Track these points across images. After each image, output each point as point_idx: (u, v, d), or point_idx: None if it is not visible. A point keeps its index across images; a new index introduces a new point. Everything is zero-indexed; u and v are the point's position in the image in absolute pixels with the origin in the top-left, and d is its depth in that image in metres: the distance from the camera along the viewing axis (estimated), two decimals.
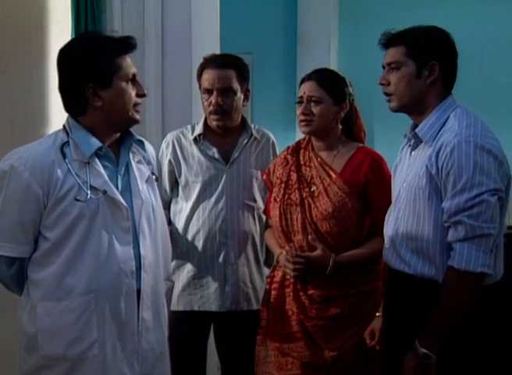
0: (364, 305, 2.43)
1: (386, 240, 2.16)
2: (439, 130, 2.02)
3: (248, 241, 2.69)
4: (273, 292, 2.54)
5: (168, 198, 2.73)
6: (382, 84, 2.09)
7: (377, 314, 2.33)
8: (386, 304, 2.19)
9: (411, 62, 2.03)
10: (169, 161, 2.70)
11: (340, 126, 2.53)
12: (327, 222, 2.43)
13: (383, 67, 2.12)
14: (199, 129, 2.70)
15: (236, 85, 2.62)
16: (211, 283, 2.66)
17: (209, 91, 2.61)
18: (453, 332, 1.95)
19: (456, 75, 2.10)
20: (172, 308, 2.61)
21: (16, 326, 2.00)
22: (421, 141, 2.06)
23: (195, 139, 2.68)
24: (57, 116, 3.03)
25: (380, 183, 2.40)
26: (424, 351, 1.95)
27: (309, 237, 2.44)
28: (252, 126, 2.77)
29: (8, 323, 2.63)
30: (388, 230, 2.15)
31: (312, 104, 2.44)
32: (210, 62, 2.65)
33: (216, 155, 2.66)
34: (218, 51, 3.20)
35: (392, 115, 2.18)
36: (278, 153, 2.75)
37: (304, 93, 2.45)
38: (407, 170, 2.11)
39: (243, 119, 2.74)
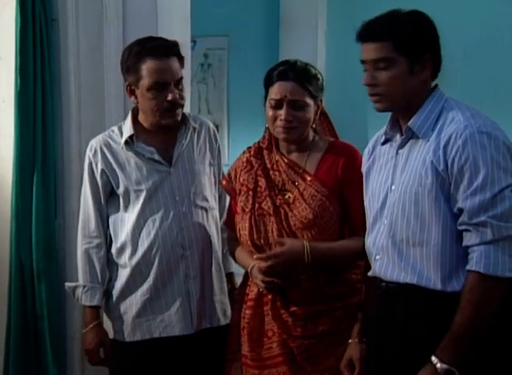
0: (354, 318, 2.38)
1: (375, 251, 2.13)
2: (435, 123, 2.02)
3: (207, 247, 2.64)
4: (247, 311, 2.48)
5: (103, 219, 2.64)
6: (368, 85, 2.06)
7: (350, 341, 2.31)
8: (380, 325, 2.15)
9: (403, 58, 2.01)
10: (102, 171, 2.58)
11: (313, 126, 2.51)
12: (308, 231, 2.39)
13: (362, 62, 2.08)
14: (128, 130, 2.58)
15: (182, 74, 2.56)
16: (172, 302, 2.58)
17: (163, 85, 2.49)
18: (475, 341, 1.97)
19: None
20: (128, 338, 2.60)
21: None
22: (412, 138, 2.06)
23: (126, 142, 2.57)
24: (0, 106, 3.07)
25: (359, 177, 2.36)
26: (446, 366, 1.94)
27: (276, 239, 2.39)
28: (188, 115, 2.69)
29: None
30: (377, 240, 2.12)
31: (294, 108, 2.40)
32: (150, 48, 2.49)
33: (156, 157, 2.57)
34: (188, 35, 3.18)
35: None
36: (219, 140, 2.75)
37: (286, 96, 2.39)
38: (393, 171, 2.10)
39: None
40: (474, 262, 1.92)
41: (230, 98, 4.74)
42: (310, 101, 2.40)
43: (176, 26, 3.09)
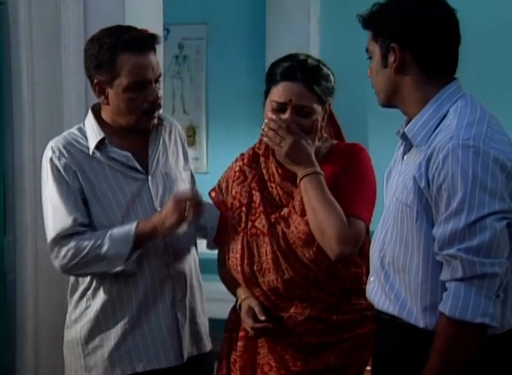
0: (363, 351, 2.35)
1: (371, 271, 2.10)
2: (435, 129, 1.96)
3: (189, 264, 2.58)
4: (240, 343, 2.41)
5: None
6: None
7: (368, 368, 2.30)
8: (375, 356, 2.15)
9: (378, 48, 2.02)
10: (74, 174, 2.43)
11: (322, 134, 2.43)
12: (309, 248, 2.32)
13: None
14: (96, 132, 2.44)
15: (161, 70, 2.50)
16: (158, 330, 2.49)
17: (143, 84, 2.41)
18: None
19: (451, 52, 2.00)
20: None
21: None
22: (412, 144, 2.01)
23: (97, 146, 2.45)
24: None
25: (358, 172, 2.36)
26: None
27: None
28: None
29: None
30: (373, 257, 2.09)
31: (299, 114, 2.33)
32: (127, 41, 2.38)
33: (132, 163, 2.46)
34: (160, 22, 3.11)
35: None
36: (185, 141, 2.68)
37: (291, 101, 2.31)
38: (397, 180, 2.06)
39: None
40: (442, 302, 1.85)
41: (209, 96, 4.77)
42: (317, 106, 2.33)
43: (146, 12, 3.01)
